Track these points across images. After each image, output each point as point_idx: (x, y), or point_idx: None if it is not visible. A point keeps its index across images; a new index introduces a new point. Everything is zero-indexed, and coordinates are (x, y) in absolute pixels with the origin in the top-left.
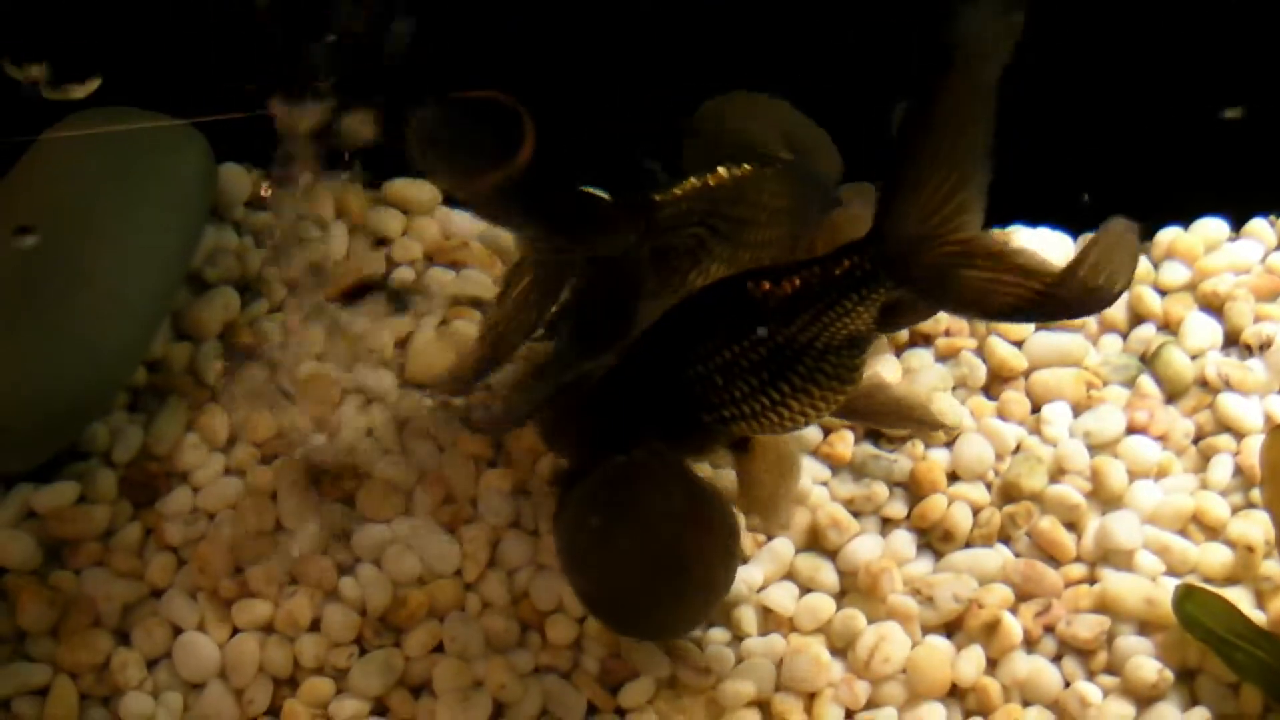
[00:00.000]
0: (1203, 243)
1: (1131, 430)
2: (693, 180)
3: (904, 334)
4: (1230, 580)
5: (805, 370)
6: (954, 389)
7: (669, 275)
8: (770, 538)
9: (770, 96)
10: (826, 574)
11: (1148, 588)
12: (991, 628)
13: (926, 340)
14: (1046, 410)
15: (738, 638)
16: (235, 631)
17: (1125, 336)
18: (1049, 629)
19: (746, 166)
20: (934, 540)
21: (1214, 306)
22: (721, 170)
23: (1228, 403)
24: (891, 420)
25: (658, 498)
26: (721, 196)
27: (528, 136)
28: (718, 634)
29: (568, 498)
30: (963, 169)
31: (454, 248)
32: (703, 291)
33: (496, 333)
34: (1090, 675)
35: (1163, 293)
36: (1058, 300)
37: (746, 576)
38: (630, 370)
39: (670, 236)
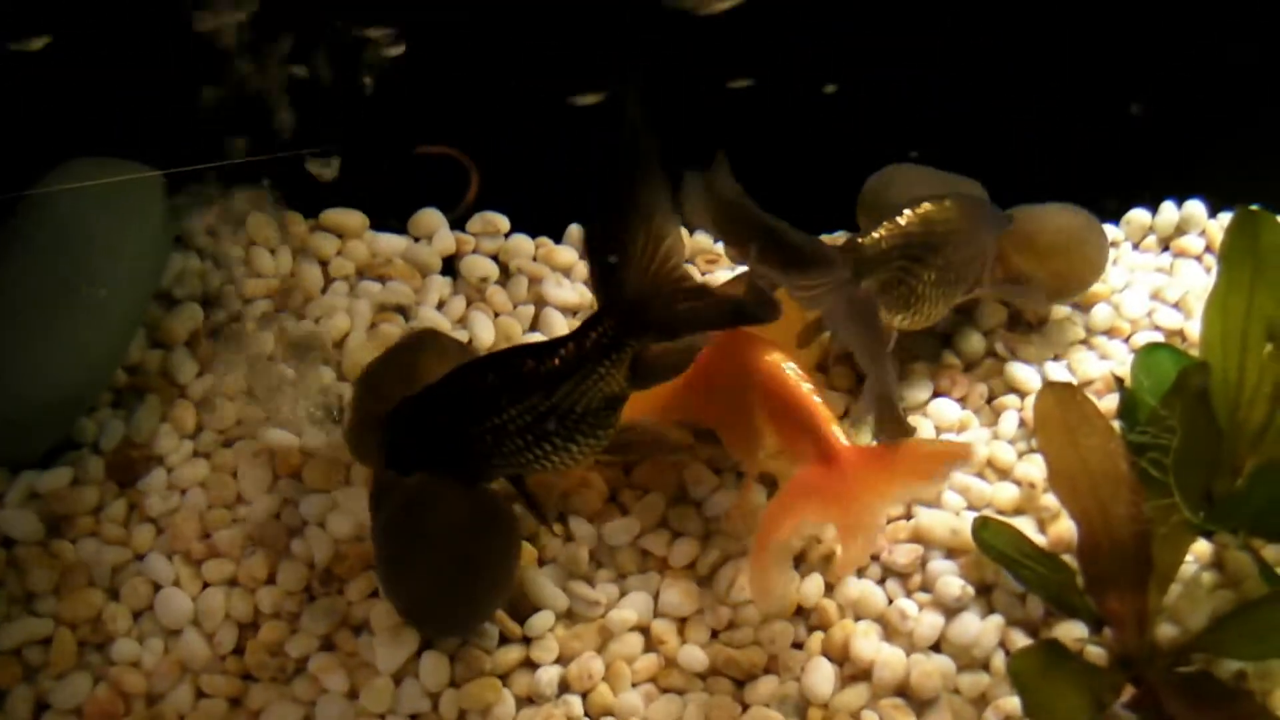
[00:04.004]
0: None
1: (937, 394)
2: (886, 224)
3: None
4: (1017, 511)
5: (565, 431)
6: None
7: (890, 299)
8: (646, 491)
9: (919, 165)
10: (693, 521)
11: (953, 520)
12: (828, 558)
13: None
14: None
15: (621, 575)
16: (205, 586)
17: None
18: (875, 557)
19: (926, 205)
20: None
21: None
22: (908, 211)
23: (1013, 369)
24: (648, 452)
25: (441, 522)
26: (913, 230)
27: (473, 185)
28: (605, 573)
29: (375, 524)
30: (654, 229)
31: (380, 264)
32: (483, 360)
33: None
34: (909, 593)
35: None
36: (750, 309)
37: (627, 526)
38: (419, 415)
39: (880, 270)
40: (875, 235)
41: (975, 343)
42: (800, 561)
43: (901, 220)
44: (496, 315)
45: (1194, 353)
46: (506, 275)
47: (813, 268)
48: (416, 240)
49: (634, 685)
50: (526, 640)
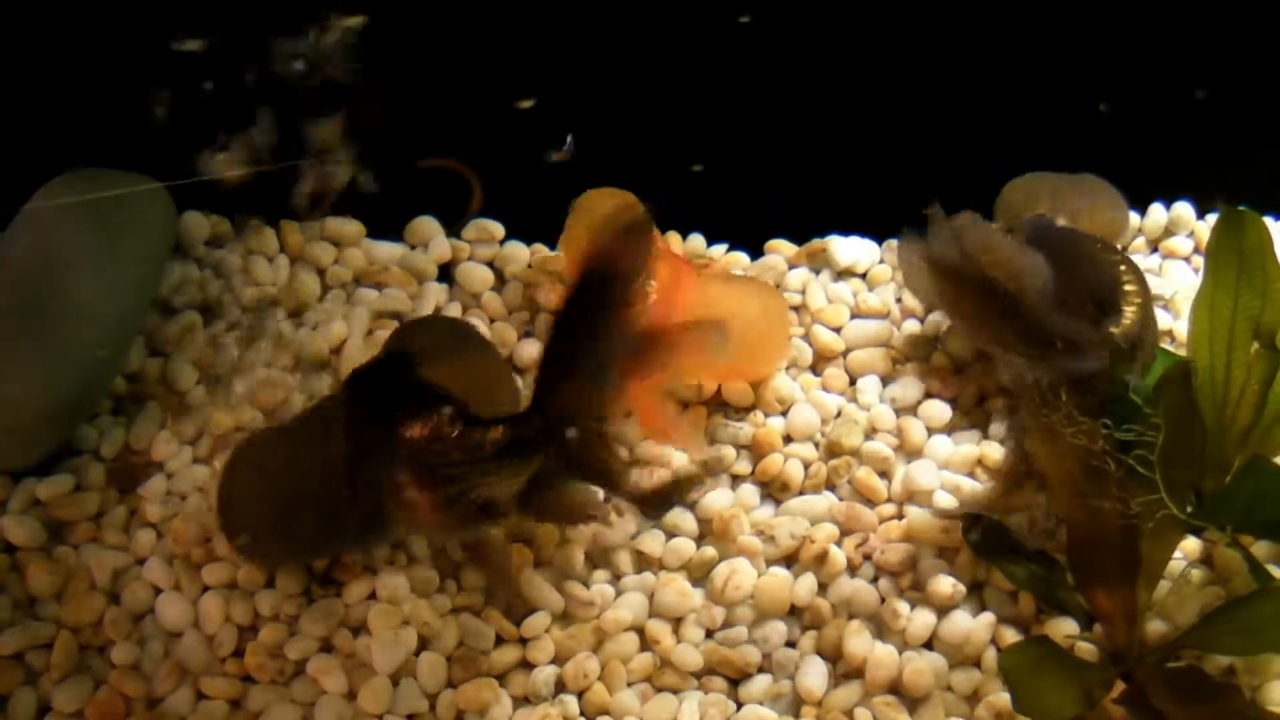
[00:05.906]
0: None
1: (928, 395)
2: (1129, 306)
3: None
4: (1008, 510)
5: (439, 499)
6: (786, 368)
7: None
8: None
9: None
10: (687, 522)
11: (944, 520)
12: (821, 558)
13: None
14: (861, 382)
15: (616, 576)
16: (205, 589)
17: (922, 321)
18: (867, 557)
19: (1116, 260)
20: (774, 490)
21: None
22: (1132, 301)
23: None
24: (569, 518)
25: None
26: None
27: (476, 195)
28: (600, 574)
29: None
30: (596, 362)
31: (376, 271)
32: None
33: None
34: (901, 592)
35: None
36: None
37: (623, 527)
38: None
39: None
40: (1126, 322)
41: (966, 343)
42: (793, 562)
43: (1137, 303)
44: (492, 321)
45: (1183, 353)
46: (502, 281)
47: (1079, 359)
48: (413, 248)
49: (629, 684)
50: (523, 641)
